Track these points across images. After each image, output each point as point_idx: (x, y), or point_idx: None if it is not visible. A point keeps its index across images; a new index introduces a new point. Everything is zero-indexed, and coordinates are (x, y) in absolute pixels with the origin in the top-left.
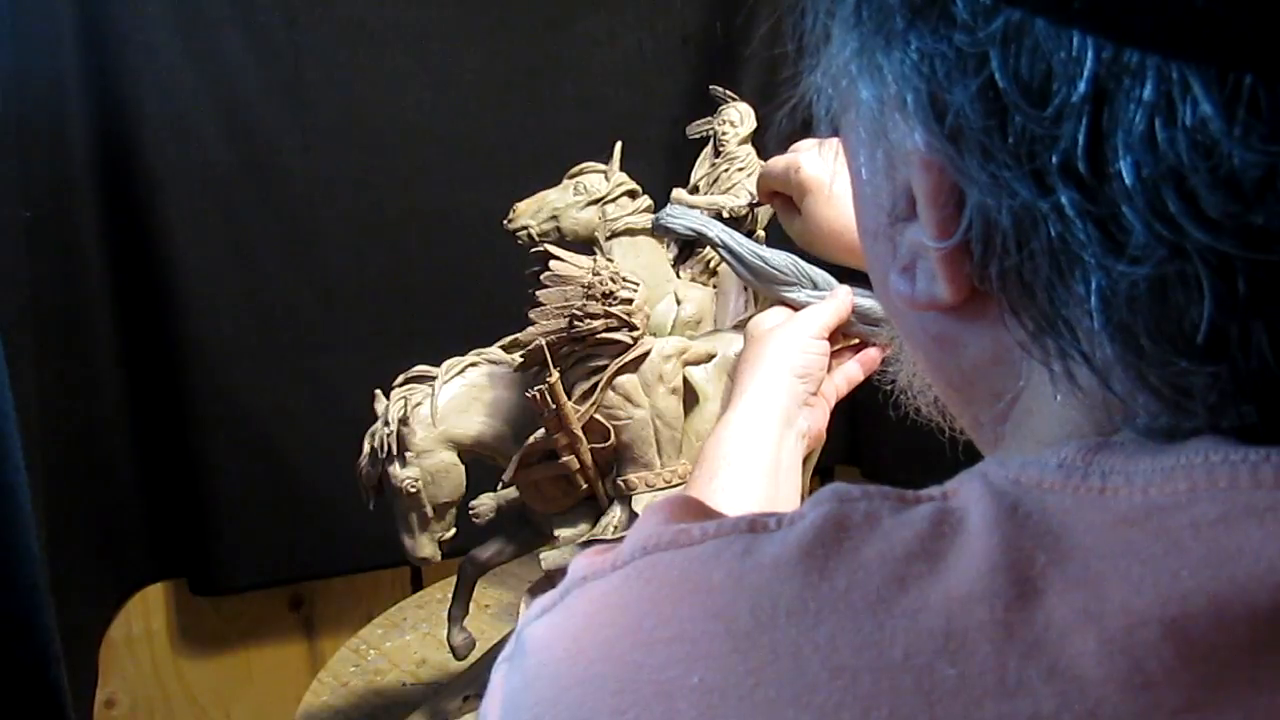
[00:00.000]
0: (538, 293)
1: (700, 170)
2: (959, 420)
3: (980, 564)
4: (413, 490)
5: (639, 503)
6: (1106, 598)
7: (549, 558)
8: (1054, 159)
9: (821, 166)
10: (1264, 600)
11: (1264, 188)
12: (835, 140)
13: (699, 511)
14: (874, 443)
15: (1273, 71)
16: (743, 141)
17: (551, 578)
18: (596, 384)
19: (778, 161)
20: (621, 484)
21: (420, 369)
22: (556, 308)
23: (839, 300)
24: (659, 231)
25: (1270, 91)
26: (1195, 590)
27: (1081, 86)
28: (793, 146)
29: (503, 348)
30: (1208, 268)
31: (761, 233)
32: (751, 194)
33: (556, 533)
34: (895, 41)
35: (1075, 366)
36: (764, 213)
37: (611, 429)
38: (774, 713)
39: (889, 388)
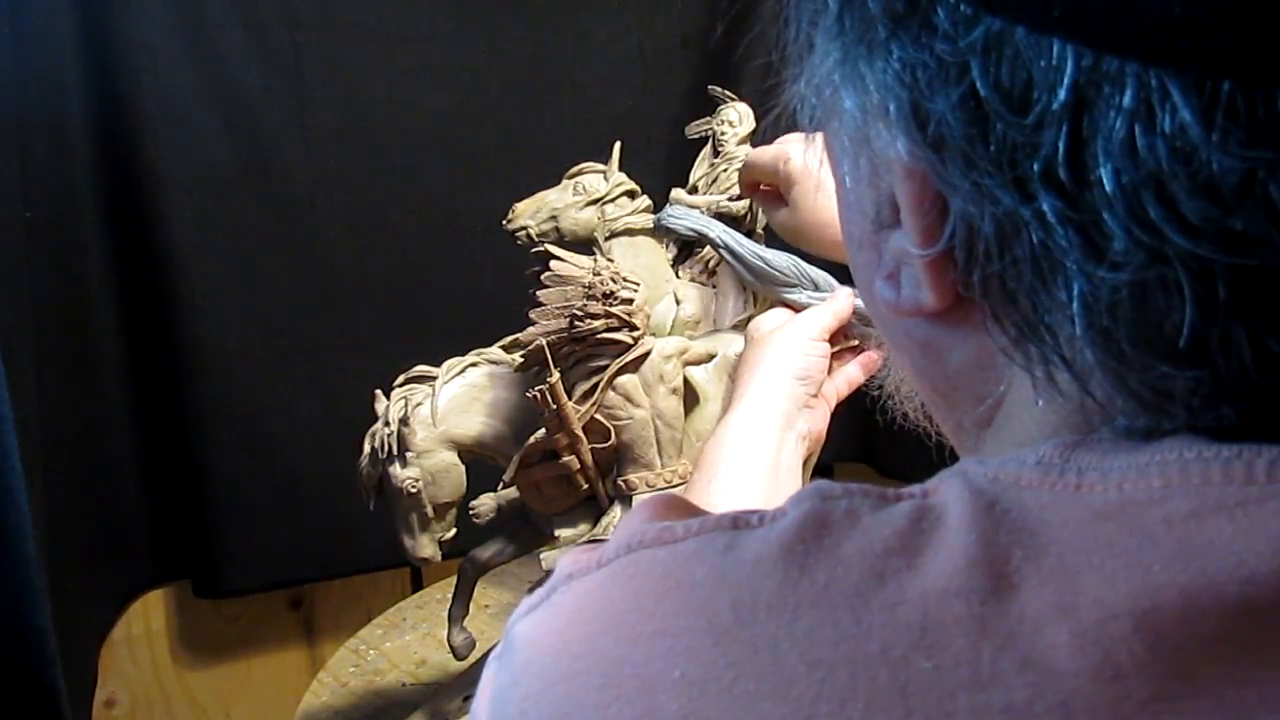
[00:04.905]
0: (538, 293)
1: (699, 170)
2: (942, 426)
3: (957, 559)
4: (413, 490)
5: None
6: (1080, 591)
7: (549, 558)
8: (1035, 166)
9: (810, 157)
10: (1233, 593)
11: (1242, 193)
12: (820, 135)
13: (683, 509)
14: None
15: (1250, 78)
16: (741, 141)
17: None
18: (597, 384)
19: (764, 152)
20: (622, 484)
21: (420, 369)
22: (557, 308)
23: (840, 302)
24: (660, 232)
25: (1248, 98)
26: (1167, 584)
27: (1062, 94)
28: (780, 139)
29: (503, 348)
30: (1188, 273)
31: (761, 232)
32: None
33: (557, 533)
34: (877, 51)
35: (1056, 371)
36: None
37: (612, 429)
38: (753, 705)
39: (876, 393)
